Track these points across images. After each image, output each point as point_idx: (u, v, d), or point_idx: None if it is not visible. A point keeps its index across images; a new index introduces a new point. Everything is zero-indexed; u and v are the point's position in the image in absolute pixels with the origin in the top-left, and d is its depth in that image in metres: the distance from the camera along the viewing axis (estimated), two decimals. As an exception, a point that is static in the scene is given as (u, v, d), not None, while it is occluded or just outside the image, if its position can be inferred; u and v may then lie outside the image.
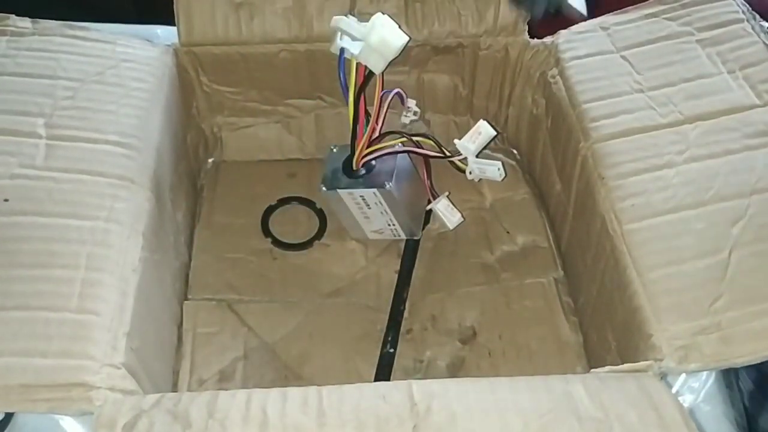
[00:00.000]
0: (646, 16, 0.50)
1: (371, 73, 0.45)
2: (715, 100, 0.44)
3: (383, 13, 0.44)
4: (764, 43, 0.47)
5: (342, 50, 0.45)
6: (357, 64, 0.45)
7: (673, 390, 0.41)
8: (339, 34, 0.45)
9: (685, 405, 0.41)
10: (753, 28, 0.48)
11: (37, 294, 0.36)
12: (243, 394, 0.32)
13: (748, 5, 0.50)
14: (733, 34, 0.48)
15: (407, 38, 0.44)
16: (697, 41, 0.48)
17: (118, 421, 0.31)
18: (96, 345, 0.35)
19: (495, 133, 0.47)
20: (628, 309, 0.38)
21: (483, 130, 0.46)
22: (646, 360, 0.35)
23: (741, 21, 0.48)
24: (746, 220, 0.39)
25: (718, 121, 0.43)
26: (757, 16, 0.49)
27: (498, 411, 0.31)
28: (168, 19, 0.51)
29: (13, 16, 0.48)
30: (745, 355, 0.35)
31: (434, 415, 0.31)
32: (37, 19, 0.49)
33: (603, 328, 0.43)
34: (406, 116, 0.52)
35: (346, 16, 0.45)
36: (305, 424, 0.31)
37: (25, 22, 0.48)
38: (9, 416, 0.39)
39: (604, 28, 0.51)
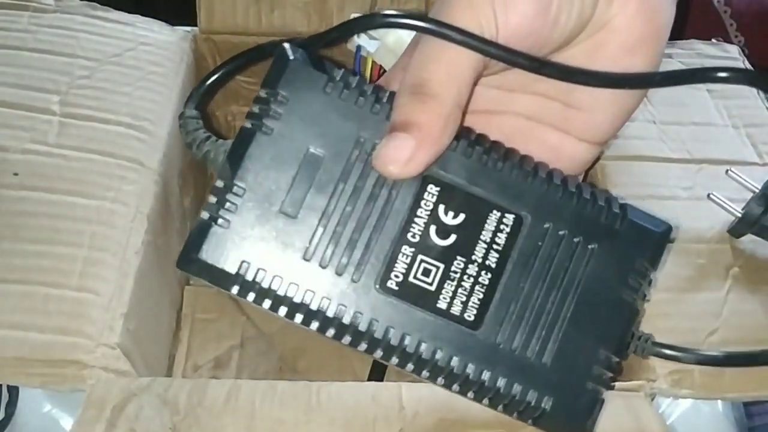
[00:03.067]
0: (663, 55, 0.52)
1: (385, 72, 0.45)
2: (720, 148, 0.46)
3: (402, 14, 0.44)
4: (767, 108, 0.49)
5: (358, 48, 0.45)
6: (372, 62, 0.45)
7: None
8: (357, 31, 0.45)
9: (686, 405, 0.41)
10: (758, 94, 0.50)
11: (38, 269, 0.36)
12: (233, 384, 0.33)
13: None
14: (741, 93, 0.50)
15: (424, 40, 0.44)
16: (708, 90, 0.49)
17: (107, 403, 0.31)
18: (93, 324, 0.35)
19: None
20: (625, 327, 0.38)
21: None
22: (639, 380, 0.35)
23: None
24: (742, 267, 0.40)
25: (721, 168, 0.44)
26: None
27: (484, 420, 0.31)
28: (168, 18, 0.51)
29: (37, -8, 0.49)
30: (735, 392, 0.35)
31: (421, 420, 0.31)
32: (59, -3, 0.49)
33: (599, 344, 0.43)
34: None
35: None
36: (293, 419, 0.31)
37: (48, -1, 0.49)
38: (9, 416, 0.39)
39: None
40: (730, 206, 0.40)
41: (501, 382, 0.28)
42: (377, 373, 0.47)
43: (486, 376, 0.28)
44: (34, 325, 0.34)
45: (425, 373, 0.28)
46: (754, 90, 0.50)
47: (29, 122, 0.42)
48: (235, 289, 0.27)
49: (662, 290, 0.38)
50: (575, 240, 0.28)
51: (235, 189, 0.27)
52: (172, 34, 0.50)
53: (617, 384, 0.35)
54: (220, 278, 0.27)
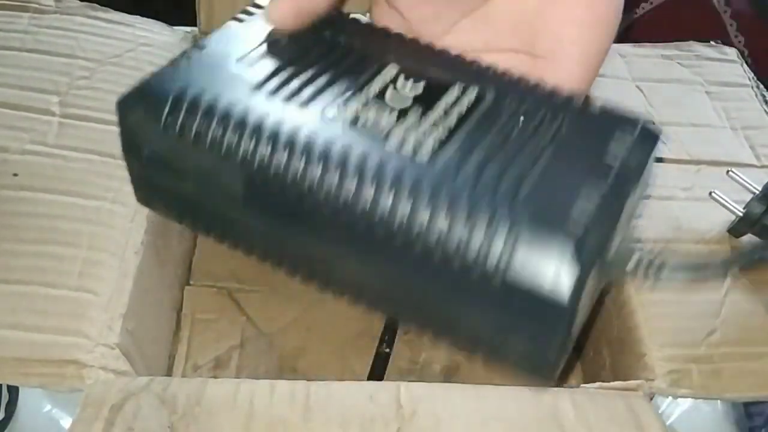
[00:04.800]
0: (663, 57, 0.53)
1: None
2: (718, 150, 0.46)
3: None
4: (765, 110, 0.49)
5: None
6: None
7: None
8: (356, 31, 0.45)
9: (686, 405, 0.41)
10: (756, 96, 0.50)
11: (38, 270, 0.36)
12: (232, 383, 0.33)
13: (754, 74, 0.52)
14: (739, 95, 0.50)
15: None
16: (706, 92, 0.50)
17: (106, 402, 0.31)
18: (92, 324, 0.35)
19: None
20: (624, 326, 0.38)
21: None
22: (638, 379, 0.35)
23: (747, 86, 0.50)
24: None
25: (720, 170, 0.44)
26: (761, 85, 0.51)
27: (482, 419, 0.32)
28: (168, 18, 0.51)
29: (37, -8, 0.49)
30: (733, 393, 0.35)
31: (419, 419, 0.31)
32: (60, -2, 0.49)
33: (599, 343, 0.43)
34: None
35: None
36: (290, 418, 0.31)
37: (48, 0, 0.49)
38: (9, 416, 0.39)
39: (622, 56, 0.52)
40: (731, 205, 0.40)
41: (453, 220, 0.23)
42: (377, 373, 0.47)
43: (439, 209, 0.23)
44: (33, 325, 0.34)
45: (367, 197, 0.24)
46: (752, 92, 0.50)
47: (29, 123, 0.42)
48: (168, 118, 0.26)
49: (662, 290, 0.38)
50: (545, 110, 0.27)
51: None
52: (172, 34, 0.50)
53: (616, 383, 0.35)
54: (155, 106, 0.26)
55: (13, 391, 0.39)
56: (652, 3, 0.84)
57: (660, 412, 0.42)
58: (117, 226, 0.39)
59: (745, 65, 0.52)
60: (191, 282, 0.50)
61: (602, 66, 0.50)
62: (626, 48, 0.53)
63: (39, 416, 0.39)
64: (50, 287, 0.36)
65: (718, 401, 0.42)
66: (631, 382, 0.35)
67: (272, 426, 0.31)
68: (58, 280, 0.36)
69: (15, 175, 0.39)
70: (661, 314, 0.37)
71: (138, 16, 0.50)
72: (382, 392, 0.33)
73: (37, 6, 0.48)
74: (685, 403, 0.42)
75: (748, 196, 0.41)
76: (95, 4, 0.49)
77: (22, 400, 0.39)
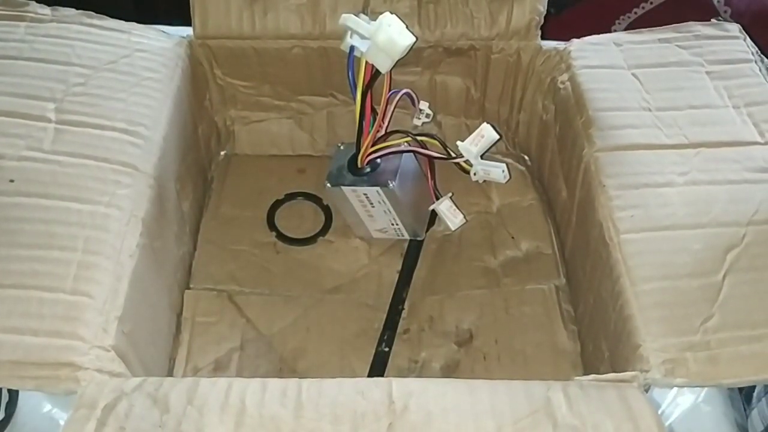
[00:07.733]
0: (660, 41, 0.51)
1: (378, 72, 0.45)
2: (719, 131, 0.45)
3: (392, 13, 0.45)
4: None
5: (352, 48, 0.46)
6: (365, 62, 0.45)
7: (672, 391, 0.41)
8: (349, 32, 0.46)
9: (686, 405, 0.41)
10: (760, 70, 0.48)
11: (33, 274, 0.37)
12: (224, 382, 0.33)
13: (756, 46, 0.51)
14: (741, 72, 0.49)
15: (414, 39, 0.44)
16: (707, 72, 0.48)
17: (99, 402, 0.32)
18: (87, 326, 0.35)
19: (498, 136, 0.46)
20: (620, 318, 0.38)
21: (486, 134, 0.46)
22: (634, 371, 0.35)
23: (750, 61, 0.49)
24: (741, 249, 0.39)
25: (720, 151, 0.43)
26: (765, 59, 0.49)
27: (474, 414, 0.31)
28: (168, 19, 0.51)
29: (34, 2, 0.49)
30: (731, 378, 0.34)
31: (410, 414, 0.31)
32: (56, 7, 0.50)
33: (598, 337, 0.43)
34: (418, 118, 0.52)
35: (357, 14, 0.46)
36: (282, 415, 0.31)
37: (44, 9, 0.49)
38: (9, 416, 0.39)
39: (617, 44, 0.51)
40: None
41: None
42: (377, 372, 0.47)
43: None
44: (28, 328, 0.35)
45: None
46: (755, 67, 0.48)
47: (25, 130, 0.42)
48: None
49: (656, 279, 0.38)
50: None
51: None
52: (167, 40, 0.50)
53: (610, 375, 0.35)
54: None
55: (14, 391, 0.40)
56: (652, 3, 0.84)
57: (660, 412, 0.41)
58: (112, 229, 0.39)
59: (748, 40, 0.50)
60: (191, 285, 0.51)
61: (598, 56, 0.50)
62: (622, 36, 0.52)
63: (39, 416, 0.40)
64: (46, 291, 0.36)
65: (718, 401, 0.42)
66: (626, 374, 0.34)
67: (263, 423, 0.31)
68: (54, 284, 0.36)
69: (11, 181, 0.40)
70: (656, 303, 0.36)
71: (134, 23, 0.50)
72: (373, 388, 0.33)
73: (33, 15, 0.49)
74: (685, 404, 0.42)
75: (750, 176, 0.40)
76: (91, 12, 0.50)
77: (22, 400, 0.40)
